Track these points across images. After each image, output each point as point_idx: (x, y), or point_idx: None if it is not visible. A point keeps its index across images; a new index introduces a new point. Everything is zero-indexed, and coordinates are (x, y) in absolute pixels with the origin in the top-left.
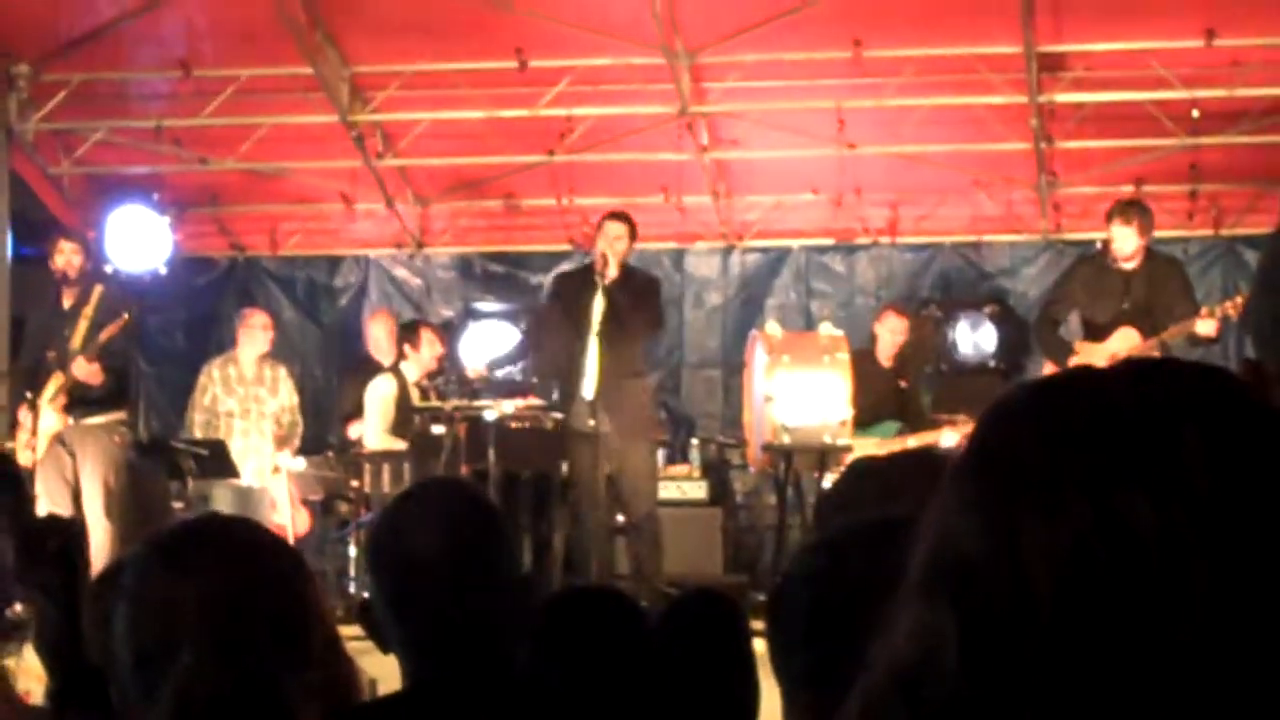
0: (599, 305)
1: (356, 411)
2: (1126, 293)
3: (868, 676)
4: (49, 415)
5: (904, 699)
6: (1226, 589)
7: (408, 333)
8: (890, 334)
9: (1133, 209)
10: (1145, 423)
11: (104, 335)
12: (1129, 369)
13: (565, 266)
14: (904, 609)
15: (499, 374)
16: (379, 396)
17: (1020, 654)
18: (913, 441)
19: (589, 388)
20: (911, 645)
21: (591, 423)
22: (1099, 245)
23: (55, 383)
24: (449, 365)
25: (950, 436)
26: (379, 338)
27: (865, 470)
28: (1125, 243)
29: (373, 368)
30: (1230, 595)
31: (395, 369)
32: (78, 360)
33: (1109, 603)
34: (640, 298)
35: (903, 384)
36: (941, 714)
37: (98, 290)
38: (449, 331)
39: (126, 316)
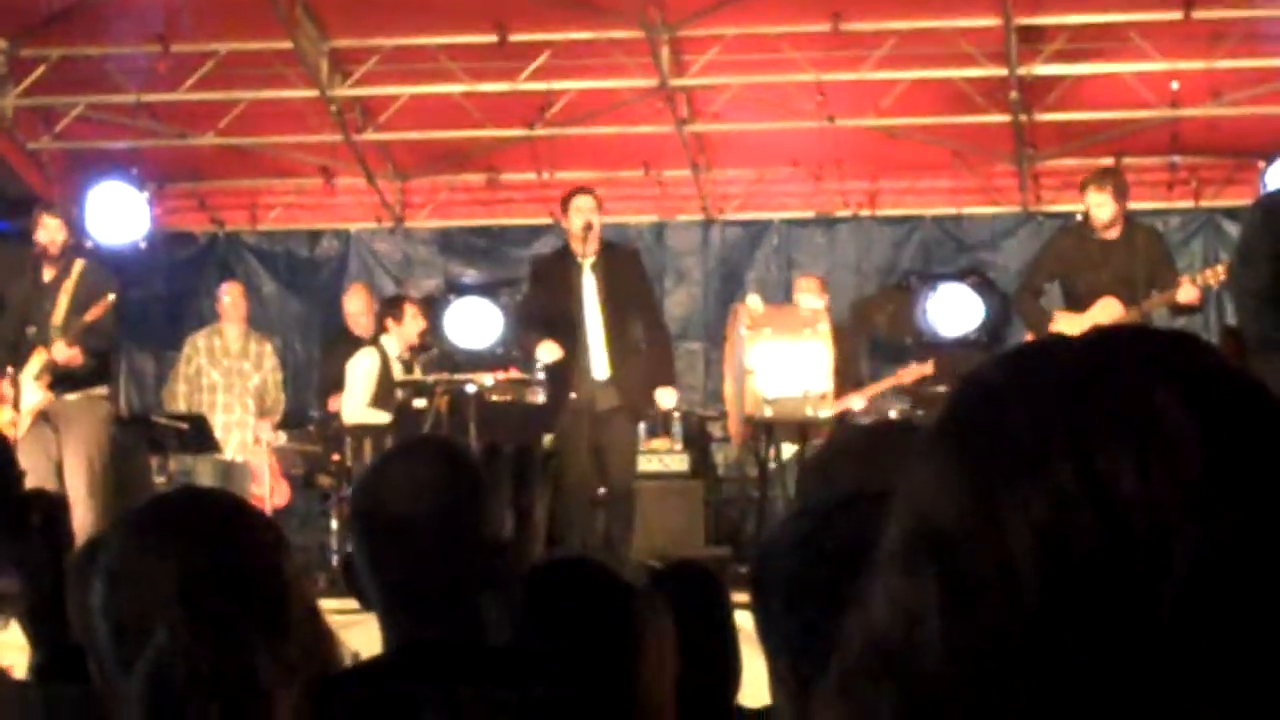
0: (590, 284)
1: (337, 385)
2: (1106, 263)
3: (845, 648)
4: (34, 391)
5: (885, 671)
6: (1212, 550)
7: (390, 307)
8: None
9: (1106, 175)
10: (1123, 387)
11: (89, 317)
12: (1103, 335)
13: (545, 242)
14: (880, 580)
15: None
16: (361, 370)
17: (1002, 624)
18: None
19: (600, 368)
20: (891, 617)
21: (606, 404)
22: (1079, 217)
23: (38, 359)
24: (432, 339)
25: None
26: (355, 312)
27: (847, 440)
28: (1102, 210)
29: (353, 342)
30: (1216, 557)
31: (376, 343)
32: (57, 344)
33: (1092, 568)
34: (633, 277)
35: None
36: (924, 685)
37: (79, 266)
38: (430, 306)
39: (112, 297)
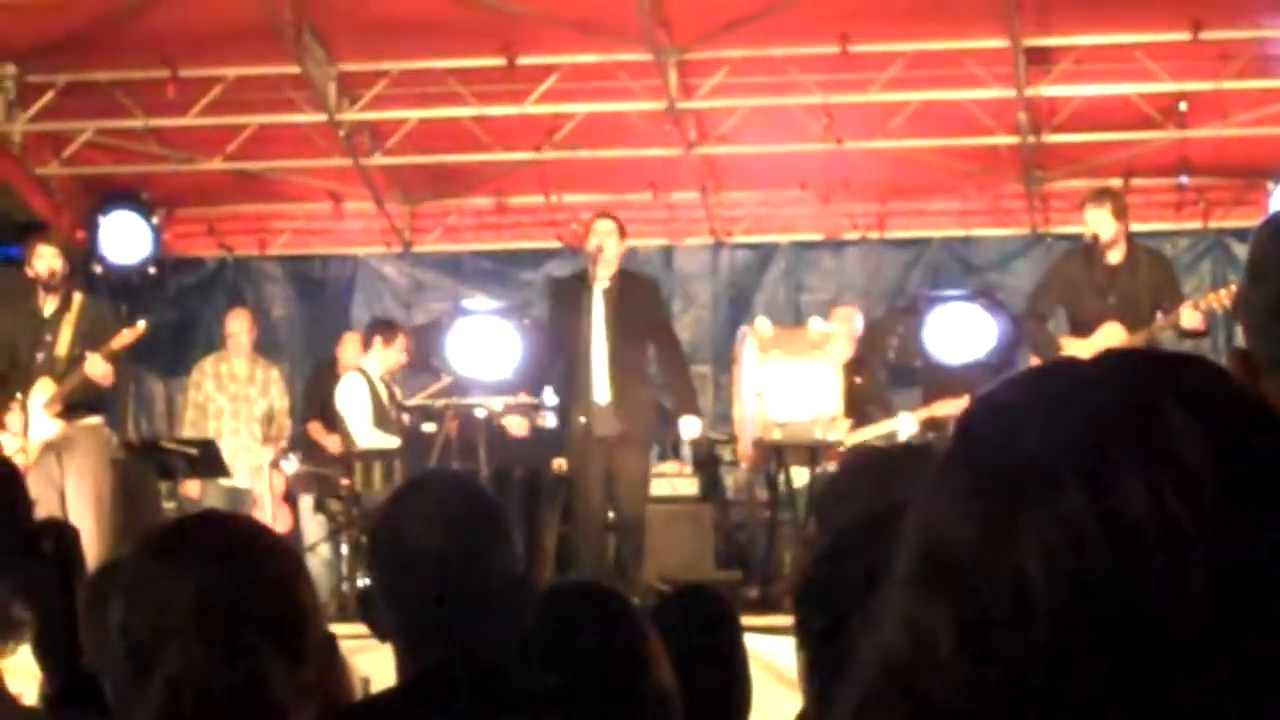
0: (598, 308)
1: (319, 412)
2: (1111, 287)
3: (860, 670)
4: (46, 422)
5: (899, 696)
6: (1228, 572)
7: (383, 327)
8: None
9: (1105, 193)
10: (1134, 410)
11: (117, 343)
12: (1111, 358)
13: (553, 266)
14: (892, 602)
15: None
16: (356, 394)
17: (1016, 650)
18: (864, 433)
19: (602, 392)
20: (903, 641)
21: (606, 429)
22: (1085, 240)
23: (46, 389)
24: (437, 364)
25: (906, 421)
26: (347, 360)
27: (864, 462)
28: (1103, 228)
29: (336, 371)
30: (1232, 579)
31: (359, 368)
32: (93, 358)
33: (1106, 594)
34: (647, 306)
35: (858, 380)
36: (939, 708)
37: (78, 300)
38: (437, 330)
39: (143, 325)
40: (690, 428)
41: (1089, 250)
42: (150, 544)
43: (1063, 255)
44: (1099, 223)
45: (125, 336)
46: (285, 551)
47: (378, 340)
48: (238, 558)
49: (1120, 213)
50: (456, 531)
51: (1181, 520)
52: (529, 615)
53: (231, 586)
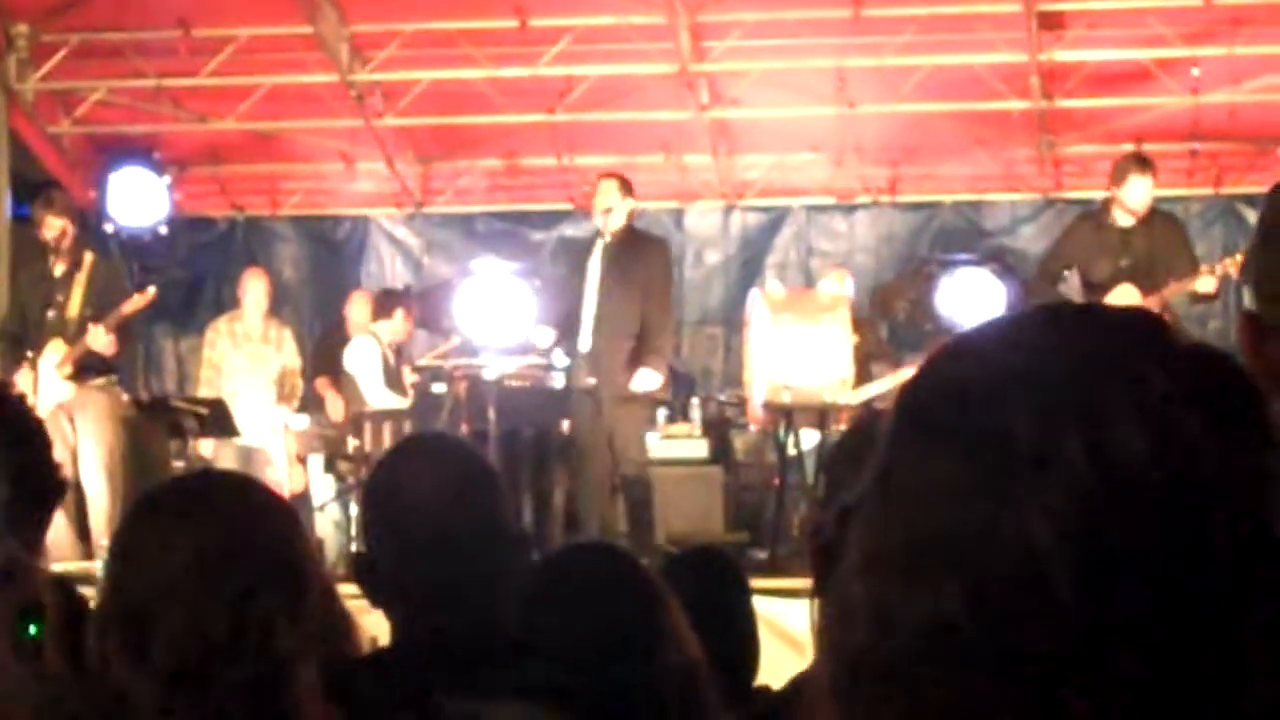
0: (595, 264)
1: (325, 370)
2: (1126, 250)
3: (836, 655)
4: (58, 384)
5: (896, 681)
6: (1247, 512)
7: (391, 298)
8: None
9: (1148, 160)
10: (1106, 365)
11: (128, 308)
12: (1057, 315)
13: (565, 227)
14: (877, 587)
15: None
16: (367, 355)
17: (1036, 620)
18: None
19: (584, 342)
20: (902, 627)
21: (589, 380)
22: (1098, 203)
23: (57, 350)
24: (448, 325)
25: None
26: (358, 321)
27: (875, 425)
28: (1145, 193)
29: (345, 331)
30: (1234, 522)
31: (370, 330)
32: (95, 331)
33: (1115, 547)
34: (648, 265)
35: (855, 339)
36: (947, 694)
37: (89, 259)
38: (448, 291)
39: (152, 292)
40: (644, 380)
41: (1103, 212)
42: (144, 505)
43: (1076, 217)
44: (1144, 190)
45: (136, 302)
46: (280, 506)
47: (387, 308)
48: (233, 515)
49: (1154, 181)
50: (452, 487)
51: (1178, 462)
52: (528, 572)
53: (228, 543)
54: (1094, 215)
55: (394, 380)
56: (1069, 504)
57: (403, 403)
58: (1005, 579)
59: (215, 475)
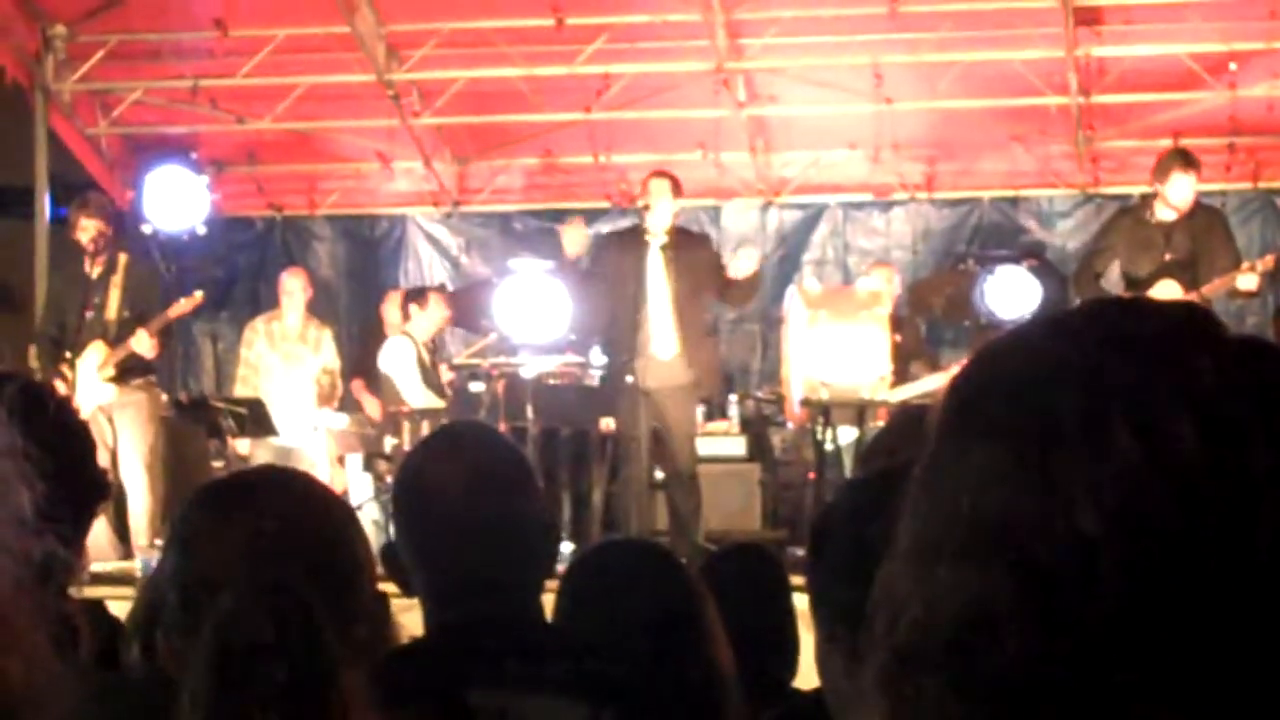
0: (656, 264)
1: (361, 371)
2: (1168, 245)
3: (887, 640)
4: (100, 386)
5: (943, 666)
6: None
7: (415, 295)
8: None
9: (1192, 157)
10: (1159, 355)
11: (174, 312)
12: (1108, 310)
13: (602, 225)
14: (927, 571)
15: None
16: (402, 356)
17: (1084, 606)
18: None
19: (667, 347)
20: (950, 611)
21: (673, 381)
22: (1138, 198)
23: (99, 352)
24: (485, 324)
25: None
26: (394, 319)
27: (908, 419)
28: (1188, 190)
29: (382, 330)
30: None
31: (404, 331)
32: (140, 334)
33: (1163, 536)
34: (706, 258)
35: (897, 338)
36: (996, 680)
37: (123, 260)
38: (485, 290)
39: (200, 296)
40: (744, 259)
41: (1144, 207)
42: (205, 494)
43: (1117, 211)
44: (1187, 187)
45: (183, 306)
46: (341, 508)
47: (413, 308)
48: (290, 508)
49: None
50: (474, 474)
51: (1227, 452)
52: (554, 563)
53: (282, 534)
54: (1135, 210)
55: (431, 380)
56: (1118, 492)
57: (440, 403)
58: (1053, 566)
59: (276, 470)
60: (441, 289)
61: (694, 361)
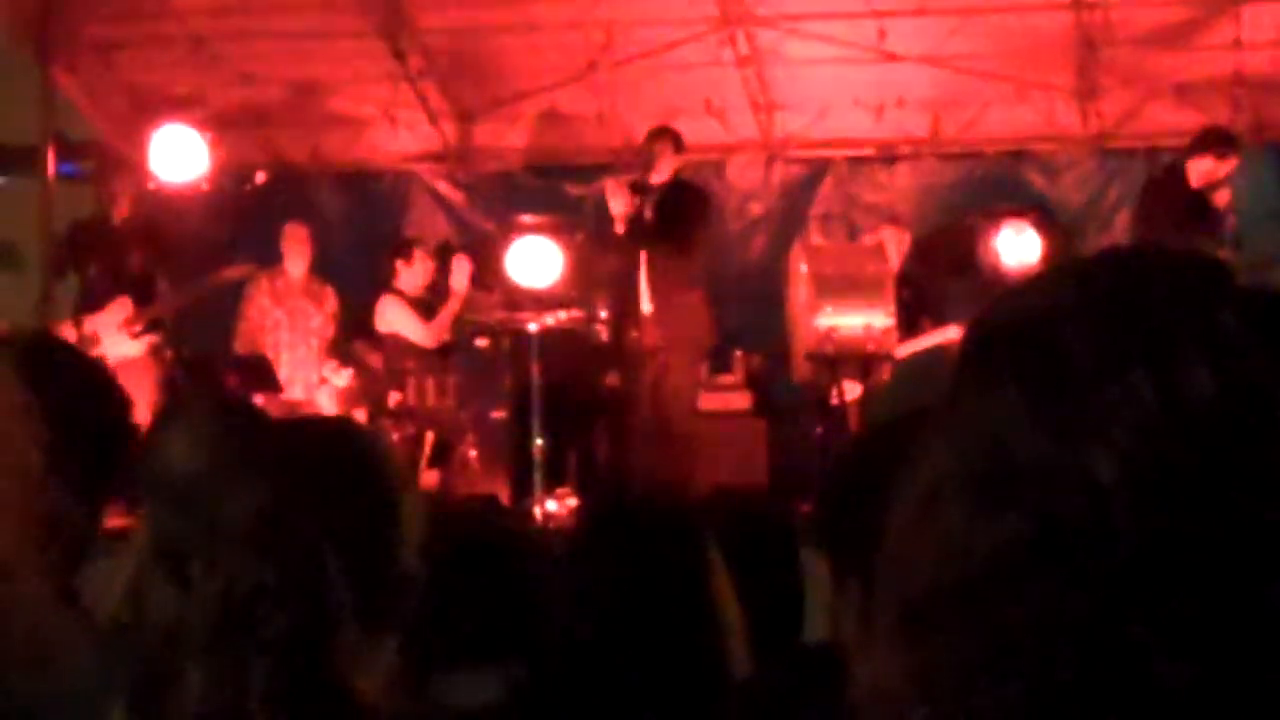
0: (644, 217)
1: (361, 331)
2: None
3: (902, 586)
4: (123, 341)
5: (959, 611)
6: None
7: (399, 250)
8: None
9: (1231, 140)
10: (1178, 303)
11: (231, 273)
12: (1133, 257)
13: (608, 179)
14: (941, 516)
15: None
16: (398, 310)
17: (1098, 552)
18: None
19: (645, 301)
20: (965, 555)
21: (652, 339)
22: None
23: (124, 308)
24: (490, 280)
25: (957, 334)
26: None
27: (910, 369)
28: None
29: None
30: None
31: (394, 289)
32: (174, 292)
33: (1178, 483)
34: (687, 209)
35: (904, 294)
36: (1012, 626)
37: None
38: (490, 246)
39: (250, 268)
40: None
41: (1172, 175)
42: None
43: (1150, 182)
44: (1215, 173)
45: (237, 270)
46: (386, 470)
47: (399, 263)
48: (319, 469)
49: None
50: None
51: (1243, 399)
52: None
53: (304, 498)
54: (1163, 178)
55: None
56: (1133, 439)
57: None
58: (1069, 515)
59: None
60: (417, 243)
61: (670, 317)
